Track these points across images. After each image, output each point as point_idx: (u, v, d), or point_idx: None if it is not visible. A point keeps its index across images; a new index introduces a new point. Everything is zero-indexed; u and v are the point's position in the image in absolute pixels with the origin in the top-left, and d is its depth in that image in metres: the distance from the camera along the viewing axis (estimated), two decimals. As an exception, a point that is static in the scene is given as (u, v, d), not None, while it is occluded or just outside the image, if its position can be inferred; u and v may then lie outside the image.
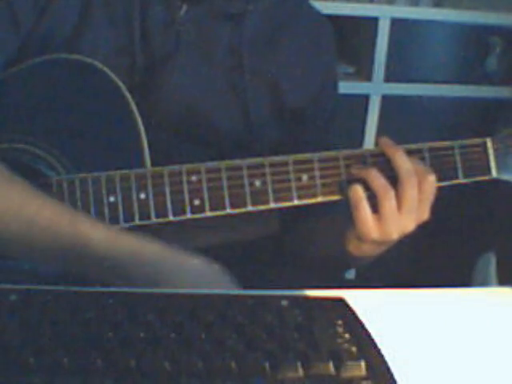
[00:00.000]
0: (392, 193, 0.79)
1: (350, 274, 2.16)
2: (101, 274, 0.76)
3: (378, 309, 0.81)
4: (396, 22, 2.02)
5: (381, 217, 0.79)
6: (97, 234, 0.75)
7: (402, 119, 2.08)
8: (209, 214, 0.81)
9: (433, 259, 2.15)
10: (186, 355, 0.65)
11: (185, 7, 0.92)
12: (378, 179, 0.79)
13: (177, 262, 0.76)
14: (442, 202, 0.84)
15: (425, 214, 0.82)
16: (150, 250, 0.76)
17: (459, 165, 0.82)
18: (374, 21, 2.02)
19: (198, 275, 0.76)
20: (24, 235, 0.76)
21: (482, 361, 0.74)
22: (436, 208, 0.82)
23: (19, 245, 0.76)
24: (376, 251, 0.87)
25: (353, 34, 2.12)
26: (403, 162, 0.79)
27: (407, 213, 0.79)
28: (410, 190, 0.79)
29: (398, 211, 0.79)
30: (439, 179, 0.82)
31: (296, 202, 0.82)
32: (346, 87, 1.97)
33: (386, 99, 2.09)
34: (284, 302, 0.76)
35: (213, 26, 0.94)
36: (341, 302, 0.78)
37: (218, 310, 0.72)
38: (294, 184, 0.81)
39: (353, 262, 0.95)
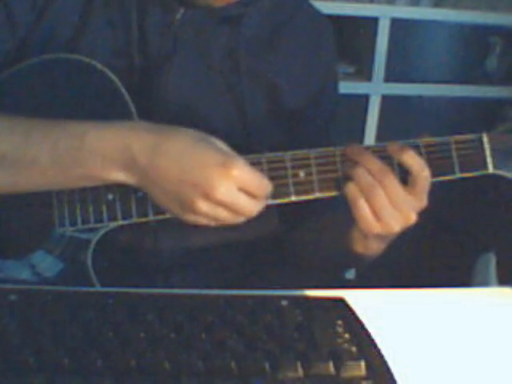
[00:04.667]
0: (378, 190, 0.79)
1: (350, 274, 2.16)
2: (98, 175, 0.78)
3: (378, 309, 0.81)
4: (396, 22, 2.03)
5: (375, 212, 0.80)
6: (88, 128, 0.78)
7: (401, 119, 2.08)
8: None
9: (433, 259, 2.15)
10: (186, 355, 0.65)
11: (182, 10, 0.92)
12: (363, 177, 0.80)
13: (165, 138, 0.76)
14: (443, 202, 0.84)
15: (423, 203, 0.82)
16: (140, 139, 0.76)
17: (455, 160, 0.83)
18: (373, 21, 2.02)
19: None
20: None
21: (482, 360, 0.74)
22: (436, 208, 0.82)
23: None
24: (381, 246, 0.88)
25: (353, 34, 2.12)
26: (415, 162, 0.80)
27: (410, 209, 0.80)
28: (424, 183, 0.80)
29: (393, 206, 0.80)
30: (436, 174, 0.82)
31: (293, 199, 0.82)
32: (346, 87, 1.97)
33: (386, 99, 2.09)
34: (284, 302, 0.76)
35: (210, 29, 0.94)
36: (341, 302, 0.78)
37: (218, 310, 0.72)
38: (291, 180, 0.81)
39: (357, 261, 0.95)
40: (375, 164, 0.80)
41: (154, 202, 0.80)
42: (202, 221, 0.78)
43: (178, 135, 0.77)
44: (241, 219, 0.78)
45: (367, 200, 0.79)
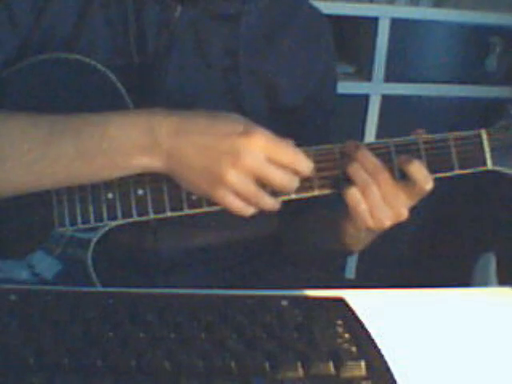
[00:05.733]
0: (373, 187, 0.79)
1: (350, 274, 2.16)
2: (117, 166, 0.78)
3: (377, 309, 0.81)
4: (396, 22, 2.03)
5: (369, 208, 0.80)
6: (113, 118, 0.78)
7: (401, 119, 2.08)
8: (206, 208, 0.82)
9: (433, 259, 2.16)
10: (185, 355, 0.65)
11: (180, 8, 0.92)
12: (359, 175, 0.80)
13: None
14: (443, 202, 0.84)
15: (416, 202, 0.83)
16: (162, 122, 0.77)
17: (454, 156, 0.83)
18: (373, 21, 2.02)
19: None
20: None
21: (482, 360, 0.74)
22: (436, 208, 0.82)
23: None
24: (371, 237, 0.90)
25: (353, 34, 2.12)
26: (421, 174, 0.80)
27: (402, 206, 0.81)
28: (423, 194, 0.80)
29: (385, 204, 0.80)
30: (435, 171, 0.82)
31: (293, 196, 0.82)
32: (346, 87, 1.97)
33: (386, 99, 2.09)
34: (284, 302, 0.76)
35: (208, 27, 0.94)
36: (341, 301, 0.78)
37: (218, 310, 0.72)
38: None
39: (347, 251, 0.95)
40: (370, 161, 0.80)
41: (180, 183, 0.79)
42: (232, 199, 0.77)
43: (198, 113, 0.78)
44: (274, 201, 0.78)
45: (362, 196, 0.80)
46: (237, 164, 0.74)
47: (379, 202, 0.80)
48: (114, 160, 0.78)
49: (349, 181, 0.81)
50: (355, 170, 0.80)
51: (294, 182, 0.78)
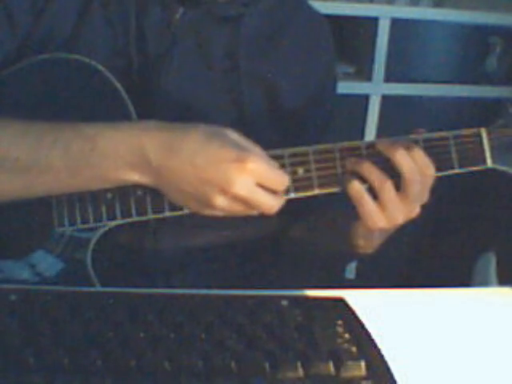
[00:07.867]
0: (388, 183, 0.79)
1: (350, 274, 2.16)
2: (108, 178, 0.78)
3: (377, 309, 0.81)
4: (396, 22, 2.03)
5: (383, 206, 0.80)
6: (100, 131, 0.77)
7: (401, 119, 2.08)
8: None
9: (433, 259, 2.15)
10: (185, 355, 0.65)
11: (181, 10, 0.92)
12: (372, 172, 0.80)
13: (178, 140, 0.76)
14: (443, 202, 0.84)
15: (426, 198, 0.82)
16: (152, 139, 0.76)
17: (454, 155, 0.83)
18: (373, 21, 2.02)
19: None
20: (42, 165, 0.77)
21: (481, 360, 0.74)
22: (436, 208, 0.82)
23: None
24: (381, 238, 0.89)
25: (353, 34, 2.12)
26: (405, 162, 0.79)
27: (412, 202, 0.80)
28: (414, 186, 0.80)
29: (399, 200, 0.80)
30: (435, 170, 0.82)
31: (292, 195, 0.82)
32: (346, 87, 1.97)
33: (386, 99, 2.09)
34: (284, 302, 0.76)
35: (209, 29, 0.94)
36: (341, 301, 0.78)
37: (218, 310, 0.72)
38: (290, 177, 0.81)
39: (356, 255, 0.95)
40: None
41: (169, 200, 0.80)
42: (220, 214, 0.78)
43: (191, 132, 0.76)
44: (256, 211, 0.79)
45: (377, 194, 0.80)
46: (226, 191, 0.74)
47: (393, 201, 0.80)
48: (103, 174, 0.78)
49: (351, 177, 0.81)
50: (368, 168, 0.80)
51: (281, 203, 0.78)
